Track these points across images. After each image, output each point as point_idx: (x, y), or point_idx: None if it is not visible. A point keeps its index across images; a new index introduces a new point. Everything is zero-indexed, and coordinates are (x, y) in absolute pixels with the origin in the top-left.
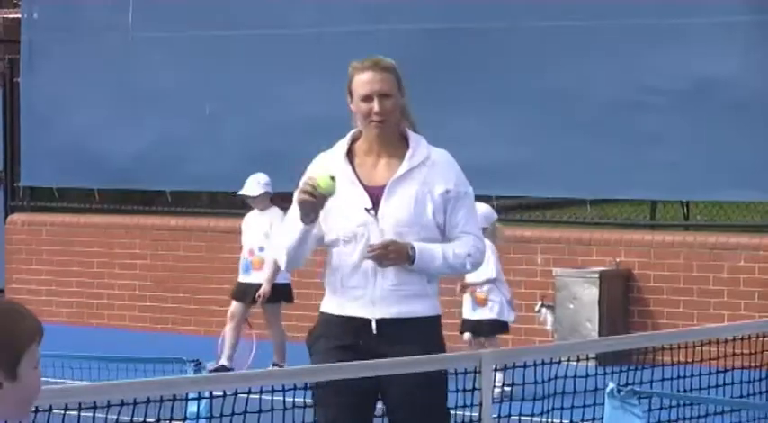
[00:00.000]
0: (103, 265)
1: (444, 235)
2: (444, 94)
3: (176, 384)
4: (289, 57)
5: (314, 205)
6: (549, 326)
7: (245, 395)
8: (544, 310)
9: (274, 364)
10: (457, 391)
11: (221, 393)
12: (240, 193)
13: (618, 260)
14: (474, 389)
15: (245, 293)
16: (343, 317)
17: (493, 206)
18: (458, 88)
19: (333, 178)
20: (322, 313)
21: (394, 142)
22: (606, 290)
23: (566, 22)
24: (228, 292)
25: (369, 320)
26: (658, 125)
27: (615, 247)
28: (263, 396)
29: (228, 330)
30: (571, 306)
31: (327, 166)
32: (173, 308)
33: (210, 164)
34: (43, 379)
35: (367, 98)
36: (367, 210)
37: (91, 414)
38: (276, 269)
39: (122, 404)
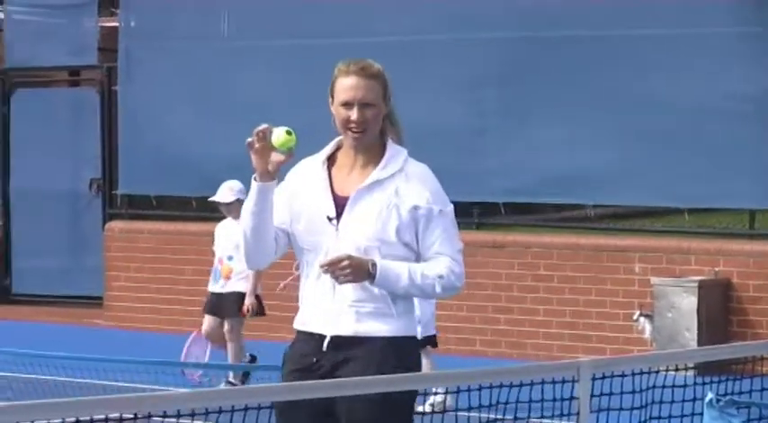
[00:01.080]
0: (199, 272)
1: (419, 255)
2: (535, 102)
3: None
4: (381, 64)
5: (260, 154)
6: (647, 335)
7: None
8: (642, 319)
9: (228, 382)
10: (554, 400)
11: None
12: (212, 199)
13: (717, 269)
14: (572, 398)
15: (216, 306)
16: (305, 332)
17: (588, 215)
18: (549, 95)
19: (290, 132)
20: (295, 331)
21: (372, 151)
22: (705, 299)
23: (655, 31)
24: None
25: (324, 337)
26: (756, 133)
27: (714, 256)
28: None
29: (216, 349)
30: (669, 315)
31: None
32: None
33: None
34: (154, 386)
35: (347, 105)
36: (329, 219)
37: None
38: (258, 279)
39: (220, 411)
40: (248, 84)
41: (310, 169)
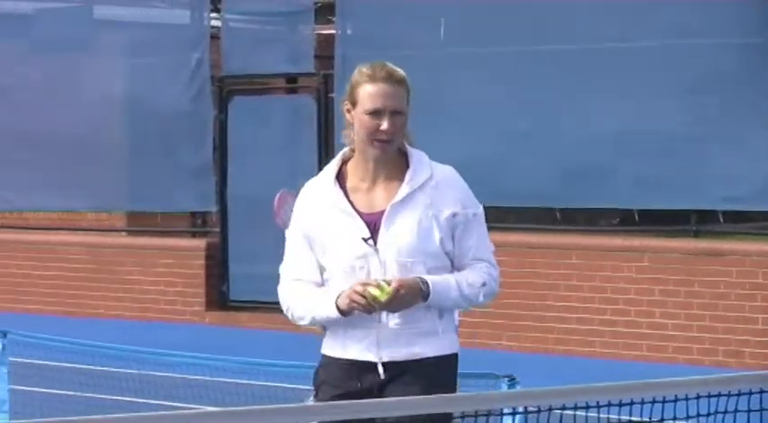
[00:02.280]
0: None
1: (453, 263)
2: (754, 109)
3: (490, 400)
4: (597, 71)
5: (360, 308)
6: None
7: (560, 411)
8: None
9: None
10: (748, 410)
11: (536, 409)
12: None
13: None
14: (761, 410)
15: None
16: (345, 360)
17: None
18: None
19: (387, 283)
20: (324, 355)
21: (393, 161)
22: None
23: None
24: (539, 307)
25: (374, 364)
26: None
27: None
28: (578, 412)
29: None
30: None
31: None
32: (483, 322)
33: (522, 180)
34: None
35: (376, 113)
36: (365, 240)
37: None
38: None
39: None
40: (464, 91)
41: (320, 193)
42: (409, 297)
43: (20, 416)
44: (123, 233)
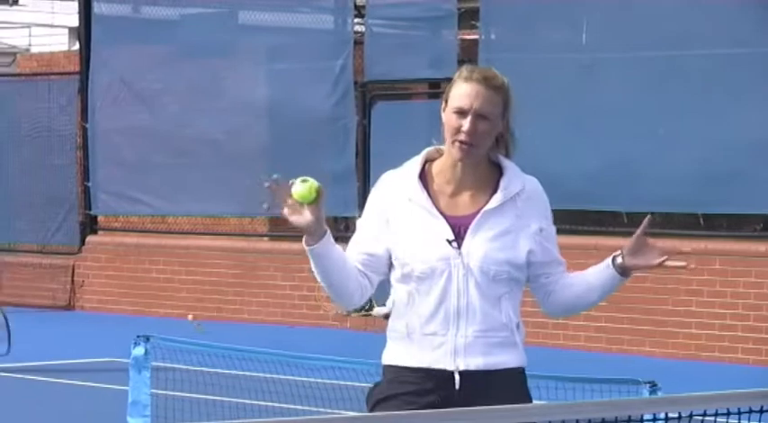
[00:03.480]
0: None
1: (535, 276)
2: None
3: (631, 406)
4: (740, 76)
5: (293, 212)
6: None
7: (701, 417)
8: None
9: None
10: None
11: (677, 415)
12: None
13: None
14: None
15: None
16: (419, 369)
17: None
18: None
19: (304, 180)
20: (389, 367)
21: (481, 167)
22: None
23: None
24: (682, 313)
25: (451, 373)
26: None
27: None
28: (719, 419)
29: None
30: None
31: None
32: (627, 328)
33: (665, 185)
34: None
35: (460, 112)
36: (449, 242)
37: None
38: None
39: None
40: (608, 96)
41: (403, 188)
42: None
43: (162, 420)
44: (265, 238)
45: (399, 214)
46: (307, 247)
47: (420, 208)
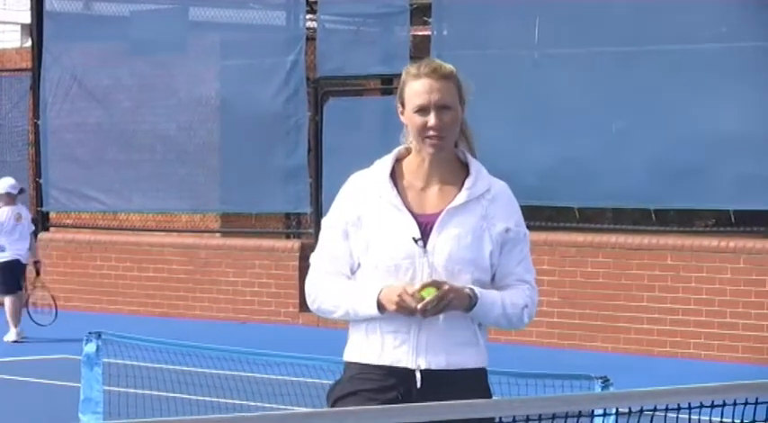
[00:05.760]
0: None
1: (493, 280)
2: None
3: (582, 401)
4: (694, 72)
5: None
6: None
7: (650, 412)
8: None
9: None
10: None
11: (627, 410)
12: None
13: None
14: None
15: None
16: (380, 367)
17: None
18: None
19: (437, 287)
20: (351, 363)
21: (450, 165)
22: None
23: None
24: (634, 309)
25: (412, 371)
26: None
27: None
28: (669, 414)
29: None
30: None
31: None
32: (579, 324)
33: (617, 180)
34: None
35: (422, 110)
36: (415, 240)
37: None
38: None
39: (528, 420)
40: (559, 92)
41: (371, 187)
42: (456, 302)
43: (114, 416)
44: (218, 234)
45: (370, 212)
46: (377, 313)
47: (389, 205)
